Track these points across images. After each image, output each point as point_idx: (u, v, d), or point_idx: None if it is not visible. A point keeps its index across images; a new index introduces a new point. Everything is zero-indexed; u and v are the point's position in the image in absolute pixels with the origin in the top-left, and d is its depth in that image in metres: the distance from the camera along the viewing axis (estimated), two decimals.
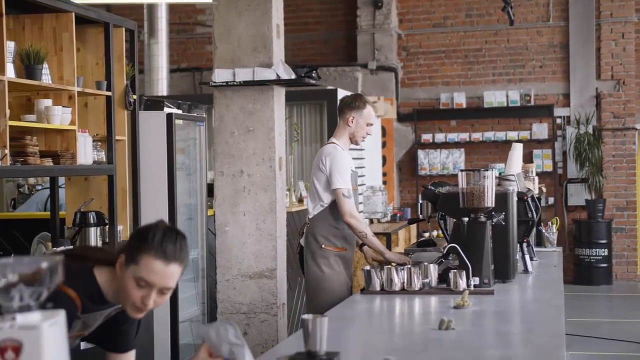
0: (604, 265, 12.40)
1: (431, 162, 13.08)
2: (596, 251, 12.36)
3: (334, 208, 5.18)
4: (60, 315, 1.85)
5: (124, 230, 6.04)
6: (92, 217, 5.58)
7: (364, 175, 10.54)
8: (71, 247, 5.28)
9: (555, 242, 6.58)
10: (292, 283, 7.34)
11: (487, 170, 4.49)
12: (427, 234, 10.37)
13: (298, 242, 5.57)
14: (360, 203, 9.97)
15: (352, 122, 5.29)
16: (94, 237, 5.57)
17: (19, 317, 1.79)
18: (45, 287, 1.83)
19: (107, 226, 5.76)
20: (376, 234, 8.92)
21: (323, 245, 5.25)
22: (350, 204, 5.13)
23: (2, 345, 1.76)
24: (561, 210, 12.84)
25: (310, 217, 5.33)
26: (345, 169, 5.18)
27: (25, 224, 6.56)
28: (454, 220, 4.64)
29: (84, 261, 2.79)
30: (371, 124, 5.35)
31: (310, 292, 5.34)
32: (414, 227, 11.15)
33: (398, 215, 10.87)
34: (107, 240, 5.79)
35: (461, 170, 4.54)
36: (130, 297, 2.67)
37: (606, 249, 12.38)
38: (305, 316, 2.80)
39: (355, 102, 5.32)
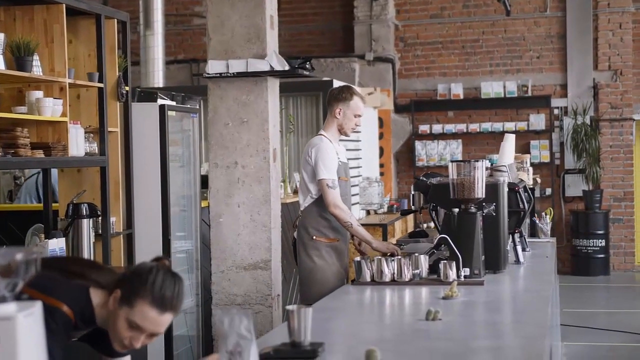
0: (602, 256, 12.41)
1: (428, 153, 13.07)
2: (593, 242, 12.36)
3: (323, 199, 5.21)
4: (36, 307, 1.85)
5: (116, 222, 6.04)
6: (84, 209, 5.58)
7: (361, 167, 10.55)
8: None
9: (549, 232, 6.58)
10: (287, 274, 7.35)
11: (477, 161, 4.49)
12: (424, 225, 10.38)
13: (292, 235, 5.59)
14: (356, 194, 9.99)
15: (339, 114, 5.32)
16: (87, 228, 5.57)
17: None
18: (20, 279, 1.84)
19: (99, 218, 5.76)
20: (372, 225, 9.00)
21: (314, 237, 5.28)
22: (334, 194, 5.15)
23: None
24: (558, 201, 12.84)
25: (301, 209, 5.37)
26: (330, 160, 5.20)
27: (21, 216, 6.56)
28: (445, 211, 4.64)
29: (82, 279, 2.77)
30: (359, 115, 5.37)
31: (302, 283, 5.37)
32: (410, 218, 11.16)
33: (395, 206, 10.87)
34: (99, 232, 5.79)
35: (451, 161, 4.54)
36: (118, 335, 2.69)
37: (603, 240, 12.39)
38: (290, 307, 2.81)
39: (342, 93, 5.35)
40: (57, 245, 5.33)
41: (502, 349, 3.01)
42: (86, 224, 5.58)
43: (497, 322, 3.54)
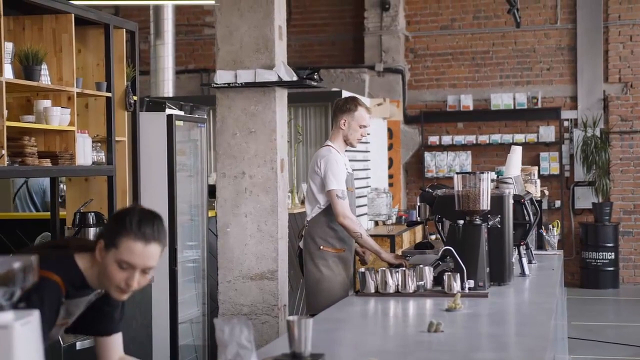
0: (611, 268, 12.35)
1: (438, 164, 13.06)
2: (603, 254, 12.32)
3: (331, 210, 5.23)
4: (34, 315, 1.86)
5: None
6: (91, 218, 5.60)
7: (369, 178, 10.55)
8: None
9: (556, 245, 6.55)
10: (294, 284, 7.35)
11: (482, 173, 4.49)
12: (433, 237, 10.36)
13: (298, 245, 5.61)
14: (364, 205, 9.99)
15: (344, 125, 5.36)
16: (93, 237, 5.59)
17: None
18: (18, 287, 1.85)
19: None
20: (380, 236, 8.99)
21: (321, 247, 5.30)
22: (343, 205, 5.18)
23: None
24: (568, 213, 12.80)
25: (308, 219, 5.39)
26: (340, 171, 5.24)
27: (29, 224, 6.59)
28: (450, 222, 4.64)
29: (65, 249, 2.86)
30: (364, 126, 5.40)
31: (309, 293, 5.39)
32: (419, 229, 11.15)
33: (404, 217, 10.86)
34: None
35: (457, 173, 4.54)
36: (113, 280, 2.75)
37: (613, 253, 12.34)
38: (290, 318, 2.81)
39: (347, 104, 5.39)
40: None
41: None
42: (93, 233, 5.60)
43: (499, 334, 3.53)
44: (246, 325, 2.53)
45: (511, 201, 4.78)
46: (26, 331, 1.82)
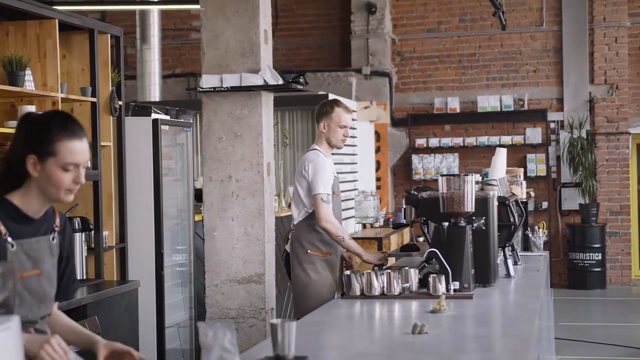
0: (598, 269, 12.40)
1: (425, 166, 13.09)
2: (590, 255, 12.36)
3: None
4: (14, 321, 1.86)
5: (109, 236, 6.05)
6: (77, 223, 5.59)
7: (357, 180, 10.56)
8: None
9: (542, 246, 6.58)
10: (281, 288, 7.36)
11: (467, 175, 4.50)
12: (421, 239, 10.37)
13: (283, 248, 5.62)
14: (351, 208, 10.00)
15: (324, 127, 5.42)
16: (79, 242, 5.58)
17: None
18: None
19: (92, 232, 5.78)
20: (368, 239, 9.00)
21: (309, 251, 5.33)
22: (326, 209, 5.20)
23: None
24: (555, 214, 12.85)
25: (294, 222, 5.41)
26: (327, 175, 5.27)
27: None
28: (435, 224, 4.65)
29: None
30: (344, 126, 5.43)
31: (297, 297, 5.41)
32: (407, 231, 11.16)
33: (391, 220, 10.87)
34: (92, 246, 5.80)
35: (441, 175, 4.56)
36: (62, 185, 2.78)
37: (600, 253, 12.39)
38: (274, 321, 2.83)
39: (324, 107, 5.45)
40: None
41: None
42: (78, 238, 5.59)
43: (483, 335, 3.54)
44: (229, 329, 2.54)
45: (496, 203, 4.80)
46: (5, 337, 1.83)
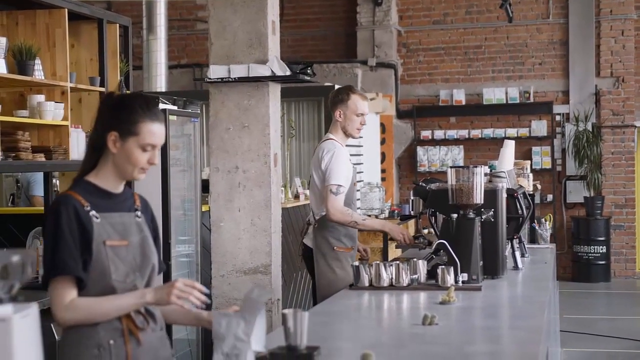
0: (603, 262, 12.41)
1: (430, 158, 13.09)
2: (594, 248, 12.37)
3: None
4: (32, 308, 1.87)
5: None
6: None
7: (362, 172, 10.56)
8: None
9: (549, 239, 6.59)
10: (287, 279, 7.36)
11: (476, 167, 4.50)
12: (425, 231, 10.37)
13: (301, 242, 5.54)
14: (357, 200, 10.00)
15: (340, 116, 5.31)
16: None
17: None
18: (16, 280, 1.86)
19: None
20: (373, 230, 8.98)
21: (335, 247, 5.24)
22: (333, 201, 5.11)
23: None
24: (560, 207, 12.85)
25: (317, 217, 5.32)
26: (344, 166, 5.18)
27: (22, 219, 6.58)
28: (444, 216, 4.65)
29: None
30: (361, 114, 5.32)
31: (322, 294, 5.26)
32: (412, 223, 11.17)
33: (396, 211, 10.87)
34: None
35: (450, 167, 4.55)
36: (138, 163, 2.90)
37: (604, 246, 12.39)
38: (286, 311, 2.83)
39: (339, 95, 5.34)
40: None
41: (496, 354, 3.02)
42: None
43: (492, 327, 3.55)
44: (243, 319, 2.55)
45: (504, 195, 4.80)
46: (25, 324, 1.83)
